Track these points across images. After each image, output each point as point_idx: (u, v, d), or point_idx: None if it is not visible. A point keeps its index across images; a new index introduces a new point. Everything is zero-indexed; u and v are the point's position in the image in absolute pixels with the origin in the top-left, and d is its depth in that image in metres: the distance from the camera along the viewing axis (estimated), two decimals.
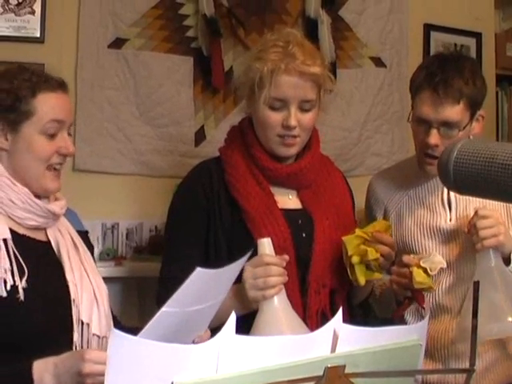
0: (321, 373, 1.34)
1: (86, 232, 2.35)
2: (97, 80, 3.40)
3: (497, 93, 4.51)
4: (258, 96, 2.25)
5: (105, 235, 3.45)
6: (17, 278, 1.89)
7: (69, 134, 2.08)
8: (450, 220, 2.45)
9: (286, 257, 2.14)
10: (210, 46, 3.59)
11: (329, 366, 1.34)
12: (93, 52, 3.43)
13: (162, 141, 3.53)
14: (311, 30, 3.69)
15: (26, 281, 1.90)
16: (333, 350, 1.39)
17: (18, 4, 3.33)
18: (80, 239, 2.19)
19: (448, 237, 2.44)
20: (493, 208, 2.36)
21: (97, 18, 3.44)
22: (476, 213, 2.27)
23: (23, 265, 1.93)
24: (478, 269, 2.23)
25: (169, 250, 2.36)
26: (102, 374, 1.57)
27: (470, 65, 2.41)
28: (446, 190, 2.47)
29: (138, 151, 3.50)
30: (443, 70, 2.36)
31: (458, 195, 2.44)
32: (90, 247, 2.27)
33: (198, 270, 1.56)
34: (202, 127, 3.63)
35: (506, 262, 2.26)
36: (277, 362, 1.31)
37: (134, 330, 1.54)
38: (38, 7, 3.35)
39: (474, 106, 2.38)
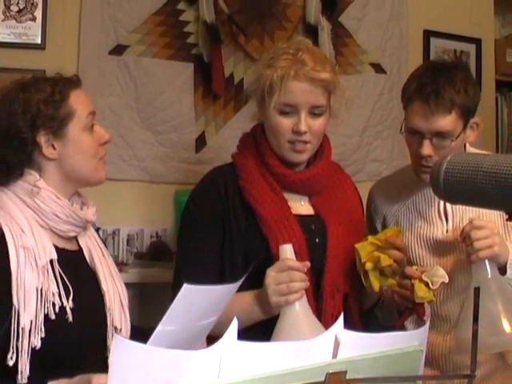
0: (322, 378, 1.33)
1: (98, 229, 2.36)
2: (98, 86, 3.40)
3: (496, 98, 4.52)
4: (269, 102, 2.26)
5: (105, 241, 3.45)
6: (64, 299, 1.91)
7: None
8: (447, 231, 2.44)
9: (308, 263, 2.14)
10: (210, 53, 3.60)
11: (330, 371, 1.34)
12: (94, 58, 3.44)
13: (162, 147, 3.54)
14: (311, 36, 3.69)
15: (73, 300, 1.92)
16: (334, 355, 1.39)
17: (19, 11, 3.34)
18: (103, 243, 2.21)
19: (445, 248, 2.42)
20: (488, 218, 2.36)
21: (98, 25, 3.45)
22: (470, 222, 2.23)
23: (68, 284, 1.94)
24: (474, 280, 2.17)
25: (183, 255, 2.35)
26: None
27: (461, 73, 2.38)
28: (442, 201, 2.45)
29: (138, 157, 3.51)
30: (434, 81, 2.34)
31: (454, 206, 2.43)
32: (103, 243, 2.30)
33: (186, 286, 1.56)
34: (203, 133, 3.63)
35: (502, 271, 2.22)
36: (278, 367, 1.31)
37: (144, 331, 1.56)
38: (39, 14, 3.36)
39: (466, 115, 2.35)
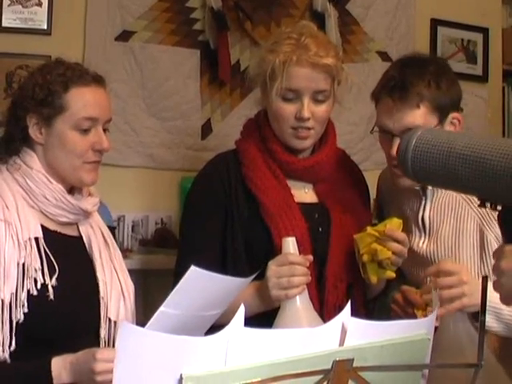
0: (329, 366, 1.33)
1: (114, 228, 2.35)
2: (103, 73, 3.34)
3: (503, 88, 4.50)
4: (271, 88, 2.24)
5: None
6: (47, 277, 1.92)
7: (105, 130, 2.08)
8: (423, 243, 2.35)
9: (310, 257, 2.12)
10: (216, 39, 3.59)
11: (337, 359, 1.34)
12: (100, 44, 3.43)
13: (168, 134, 3.54)
14: (318, 23, 3.67)
15: (56, 279, 1.93)
16: (341, 343, 1.38)
17: None
18: (111, 235, 2.20)
19: (417, 260, 2.32)
20: (464, 239, 2.26)
21: (104, 11, 3.44)
22: (437, 264, 2.06)
23: (54, 263, 1.95)
24: (442, 330, 1.80)
25: (185, 242, 2.34)
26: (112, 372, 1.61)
27: (434, 67, 2.27)
28: (421, 210, 2.36)
29: (144, 144, 3.51)
30: (401, 74, 2.23)
31: (431, 218, 2.34)
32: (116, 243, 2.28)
33: (192, 268, 1.55)
34: (209, 120, 3.63)
35: (475, 316, 1.90)
36: (285, 355, 1.31)
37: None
38: None
39: (441, 110, 2.23)
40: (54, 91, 1.99)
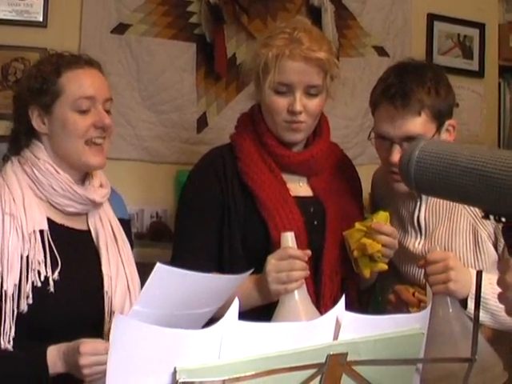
0: (323, 360, 1.34)
1: (129, 221, 2.35)
2: None
3: (499, 84, 4.50)
4: (263, 81, 2.25)
5: None
6: (49, 270, 1.93)
7: (107, 112, 2.10)
8: (419, 244, 2.38)
9: (309, 252, 2.13)
10: (213, 33, 3.57)
11: (331, 353, 1.34)
12: (96, 37, 3.41)
13: (164, 127, 3.53)
14: (315, 18, 3.66)
15: (59, 273, 1.94)
16: (335, 337, 1.39)
17: None
18: (120, 229, 2.20)
19: (412, 260, 2.34)
20: (458, 238, 2.29)
21: (100, 3, 3.43)
22: (426, 256, 2.10)
23: (57, 257, 1.96)
24: (435, 313, 1.86)
25: (181, 239, 2.34)
26: (99, 364, 1.62)
27: (431, 73, 2.28)
28: (416, 211, 2.38)
29: (139, 137, 3.49)
30: (401, 81, 2.24)
31: (427, 219, 2.37)
32: (129, 236, 2.28)
33: (158, 265, 1.54)
34: (205, 114, 3.62)
35: (464, 304, 2.06)
36: (279, 348, 1.31)
37: None
38: None
39: (439, 117, 2.26)
40: (48, 79, 2.02)
